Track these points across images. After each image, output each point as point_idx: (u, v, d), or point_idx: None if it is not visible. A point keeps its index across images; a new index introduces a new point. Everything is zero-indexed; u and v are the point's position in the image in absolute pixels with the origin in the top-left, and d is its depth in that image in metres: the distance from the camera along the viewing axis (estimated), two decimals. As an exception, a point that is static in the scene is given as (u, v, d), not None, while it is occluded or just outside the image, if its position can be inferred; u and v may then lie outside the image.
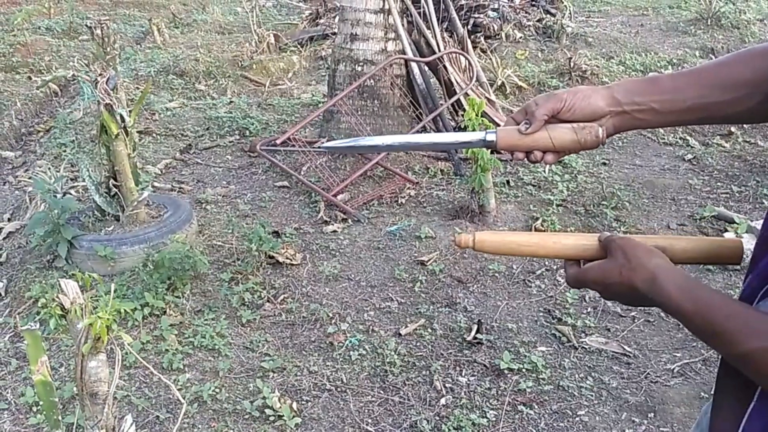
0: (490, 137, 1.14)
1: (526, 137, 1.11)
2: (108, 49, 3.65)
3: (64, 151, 5.18)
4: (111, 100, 3.50)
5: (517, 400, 2.77)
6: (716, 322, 0.86)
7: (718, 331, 0.86)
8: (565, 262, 1.08)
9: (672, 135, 5.43)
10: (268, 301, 3.41)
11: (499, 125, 4.94)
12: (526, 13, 8.20)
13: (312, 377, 2.92)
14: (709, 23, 8.18)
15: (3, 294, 3.54)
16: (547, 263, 3.72)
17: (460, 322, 3.23)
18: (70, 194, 4.31)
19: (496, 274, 3.60)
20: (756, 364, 0.83)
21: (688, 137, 5.37)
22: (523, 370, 2.92)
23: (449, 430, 2.61)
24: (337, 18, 5.73)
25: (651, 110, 1.08)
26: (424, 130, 5.21)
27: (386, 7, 4.91)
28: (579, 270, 1.05)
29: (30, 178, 4.66)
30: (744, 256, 1.06)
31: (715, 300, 0.89)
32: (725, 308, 0.87)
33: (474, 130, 3.92)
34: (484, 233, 1.10)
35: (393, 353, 3.02)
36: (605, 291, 1.00)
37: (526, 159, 1.15)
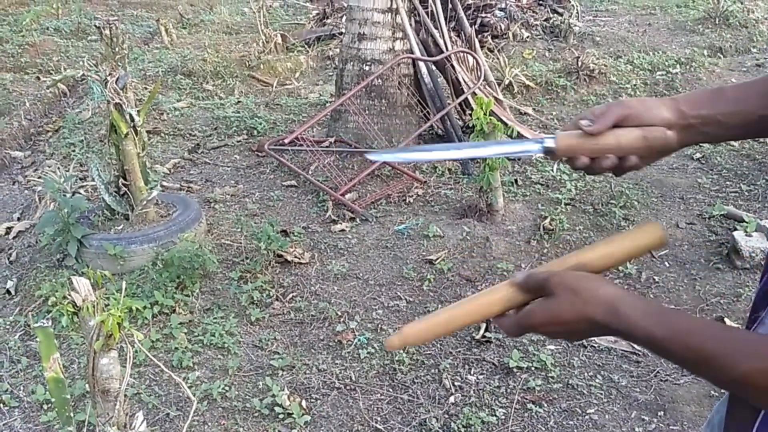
0: (549, 143, 1.07)
1: (589, 139, 1.04)
2: (117, 49, 3.67)
3: (73, 150, 5.21)
4: (121, 99, 3.52)
5: (526, 399, 2.77)
6: (700, 347, 0.82)
7: (704, 356, 0.82)
8: (493, 319, 1.01)
9: (680, 134, 5.40)
10: (276, 299, 3.42)
11: (506, 125, 4.87)
12: (534, 12, 8.19)
13: (321, 375, 2.92)
14: (717, 22, 8.14)
15: (13, 292, 3.56)
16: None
17: (469, 320, 3.22)
18: (80, 193, 4.34)
19: (505, 273, 3.59)
20: (754, 386, 0.80)
21: (696, 136, 5.35)
22: (532, 368, 2.92)
23: (458, 428, 2.62)
24: (345, 18, 5.74)
25: (716, 123, 1.04)
26: (431, 129, 5.22)
27: (394, 6, 4.91)
28: (518, 317, 0.97)
29: (39, 177, 4.68)
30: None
31: (691, 324, 0.85)
32: (706, 331, 0.84)
33: (482, 129, 3.91)
34: (409, 327, 1.02)
35: (402, 352, 3.02)
36: (556, 330, 0.94)
37: (586, 170, 1.08)
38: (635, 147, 1.05)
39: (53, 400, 2.13)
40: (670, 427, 2.63)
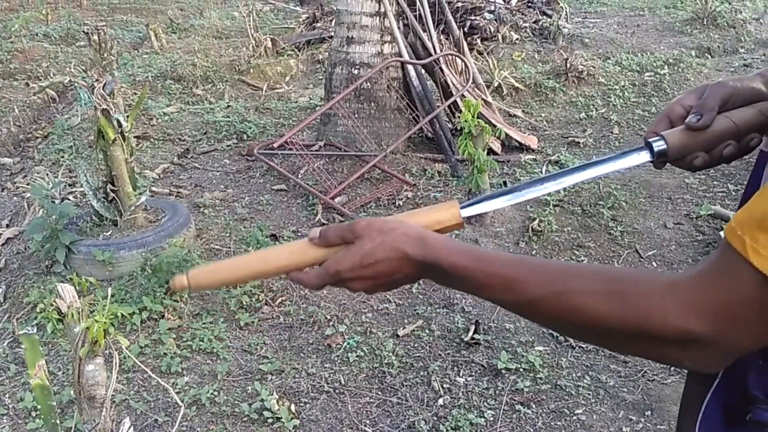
0: (659, 146, 0.96)
1: (701, 133, 0.95)
2: (105, 54, 3.68)
3: (62, 156, 5.20)
4: (108, 105, 3.52)
5: (515, 400, 2.78)
6: (499, 272, 0.85)
7: (502, 281, 0.85)
8: (290, 275, 0.96)
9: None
10: (266, 304, 3.42)
11: (495, 126, 4.85)
12: (523, 14, 8.22)
13: (310, 379, 2.93)
14: (705, 23, 8.20)
15: (2, 300, 3.54)
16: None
17: (458, 322, 3.24)
18: (68, 199, 4.33)
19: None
20: (541, 310, 0.84)
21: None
22: (521, 369, 2.93)
23: (447, 430, 2.62)
24: (334, 21, 5.75)
25: None
26: (420, 132, 5.23)
27: (382, 10, 4.93)
28: (323, 266, 0.92)
29: (28, 184, 4.67)
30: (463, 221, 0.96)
31: (492, 254, 0.88)
32: (504, 258, 0.87)
33: (470, 131, 3.92)
34: (197, 270, 0.96)
35: (391, 354, 3.03)
36: (368, 275, 0.90)
37: (701, 164, 0.98)
38: (755, 125, 0.96)
39: (40, 406, 2.13)
40: (658, 427, 2.64)
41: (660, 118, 1.02)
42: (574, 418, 2.69)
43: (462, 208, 0.97)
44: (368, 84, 4.96)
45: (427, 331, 3.21)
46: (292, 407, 2.72)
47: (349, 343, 3.12)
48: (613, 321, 0.79)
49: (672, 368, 2.94)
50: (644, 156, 0.98)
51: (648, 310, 0.76)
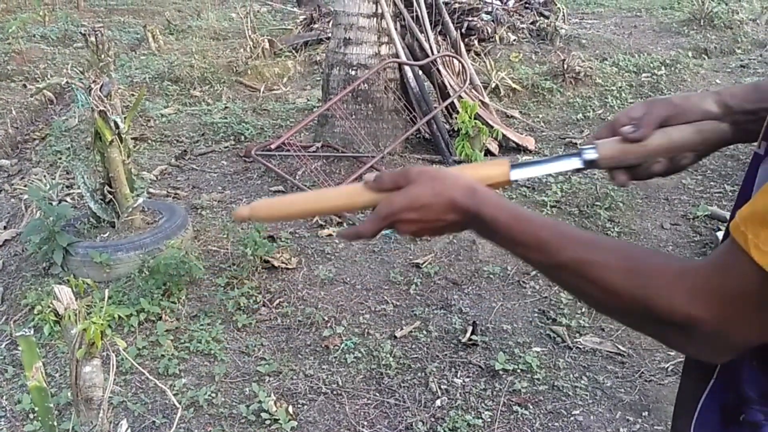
0: (589, 155, 0.99)
1: (635, 146, 0.97)
2: (102, 56, 3.67)
3: (60, 158, 5.20)
4: (105, 106, 3.52)
5: (512, 401, 2.78)
6: (536, 232, 0.88)
7: (537, 241, 0.88)
8: (344, 232, 1.00)
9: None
10: (263, 305, 3.42)
11: (492, 127, 4.89)
12: (520, 15, 8.23)
13: (308, 381, 2.93)
14: (701, 23, 8.22)
15: (0, 301, 3.55)
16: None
17: (455, 323, 3.24)
18: (66, 201, 4.32)
19: (491, 276, 3.61)
20: (571, 273, 0.86)
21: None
22: (518, 370, 2.94)
23: (444, 431, 2.63)
24: (331, 23, 5.75)
25: (761, 120, 0.95)
26: (418, 133, 5.24)
27: (379, 11, 4.93)
28: (379, 207, 0.95)
29: (26, 185, 4.67)
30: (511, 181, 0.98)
31: (533, 215, 0.91)
32: (544, 221, 0.90)
33: (467, 132, 3.93)
34: (258, 202, 1.01)
35: (388, 356, 3.03)
36: (417, 218, 0.93)
37: (630, 179, 1.01)
38: (690, 144, 0.98)
39: (37, 408, 2.13)
40: (655, 427, 2.65)
41: (605, 126, 1.04)
42: (572, 418, 2.70)
43: (512, 168, 0.99)
44: (365, 85, 4.97)
45: (424, 332, 3.21)
46: (290, 409, 2.73)
47: (346, 345, 3.12)
48: (626, 296, 0.82)
49: (669, 369, 2.94)
50: (575, 162, 1.01)
51: (657, 290, 0.80)
